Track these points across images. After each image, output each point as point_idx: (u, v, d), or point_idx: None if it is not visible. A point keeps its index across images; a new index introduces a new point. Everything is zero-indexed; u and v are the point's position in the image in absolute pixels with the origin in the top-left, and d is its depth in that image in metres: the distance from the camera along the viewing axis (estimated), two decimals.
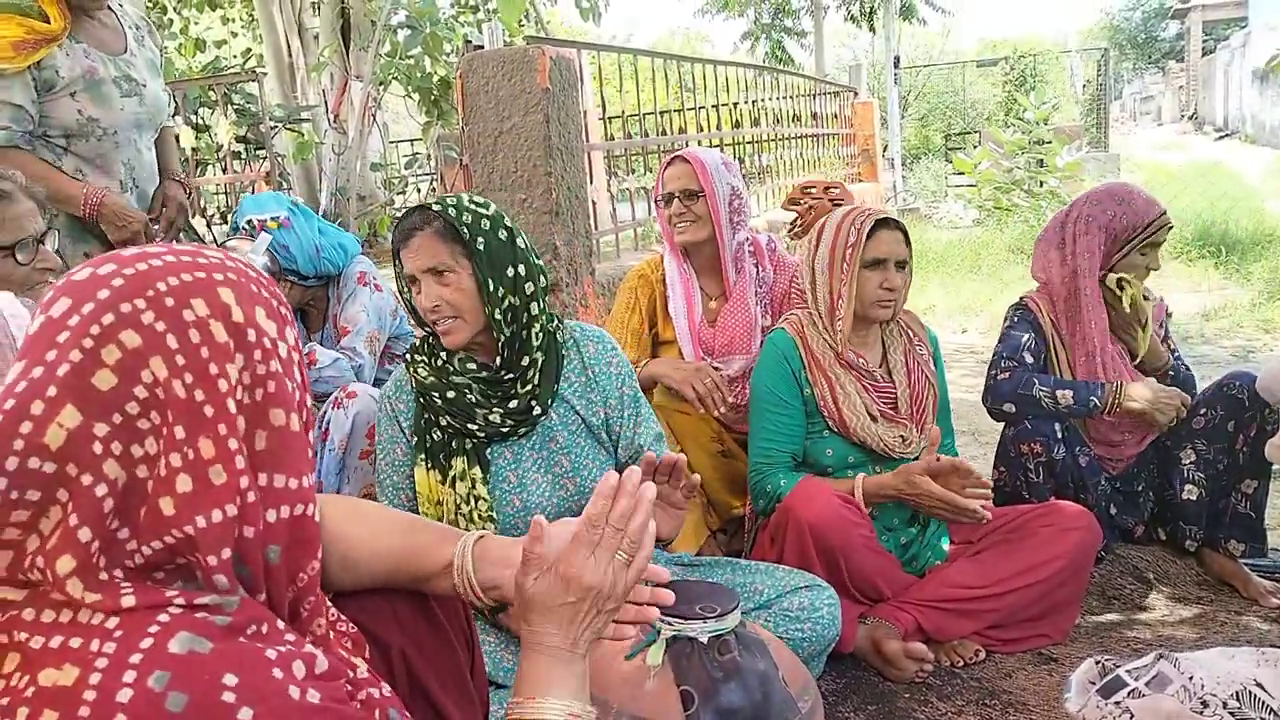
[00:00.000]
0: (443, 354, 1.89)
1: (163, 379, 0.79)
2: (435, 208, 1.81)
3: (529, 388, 1.85)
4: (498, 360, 1.84)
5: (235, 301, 0.84)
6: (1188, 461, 2.41)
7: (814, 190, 3.46)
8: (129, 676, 0.73)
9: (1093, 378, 2.40)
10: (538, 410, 1.86)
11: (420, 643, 1.14)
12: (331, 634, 0.97)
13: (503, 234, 1.81)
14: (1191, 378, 2.52)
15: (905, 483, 2.08)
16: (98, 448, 0.77)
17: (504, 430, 1.85)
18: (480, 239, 1.78)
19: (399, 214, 6.62)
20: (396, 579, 1.14)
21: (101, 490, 0.77)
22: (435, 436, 1.88)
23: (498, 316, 1.79)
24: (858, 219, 2.22)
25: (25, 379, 0.78)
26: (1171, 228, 2.42)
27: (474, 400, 1.84)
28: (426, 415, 1.89)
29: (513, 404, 1.85)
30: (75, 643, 0.75)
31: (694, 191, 2.58)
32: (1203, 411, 2.39)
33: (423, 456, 1.88)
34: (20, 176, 1.87)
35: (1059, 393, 2.32)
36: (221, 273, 0.85)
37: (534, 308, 1.84)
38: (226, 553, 0.80)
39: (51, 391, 0.77)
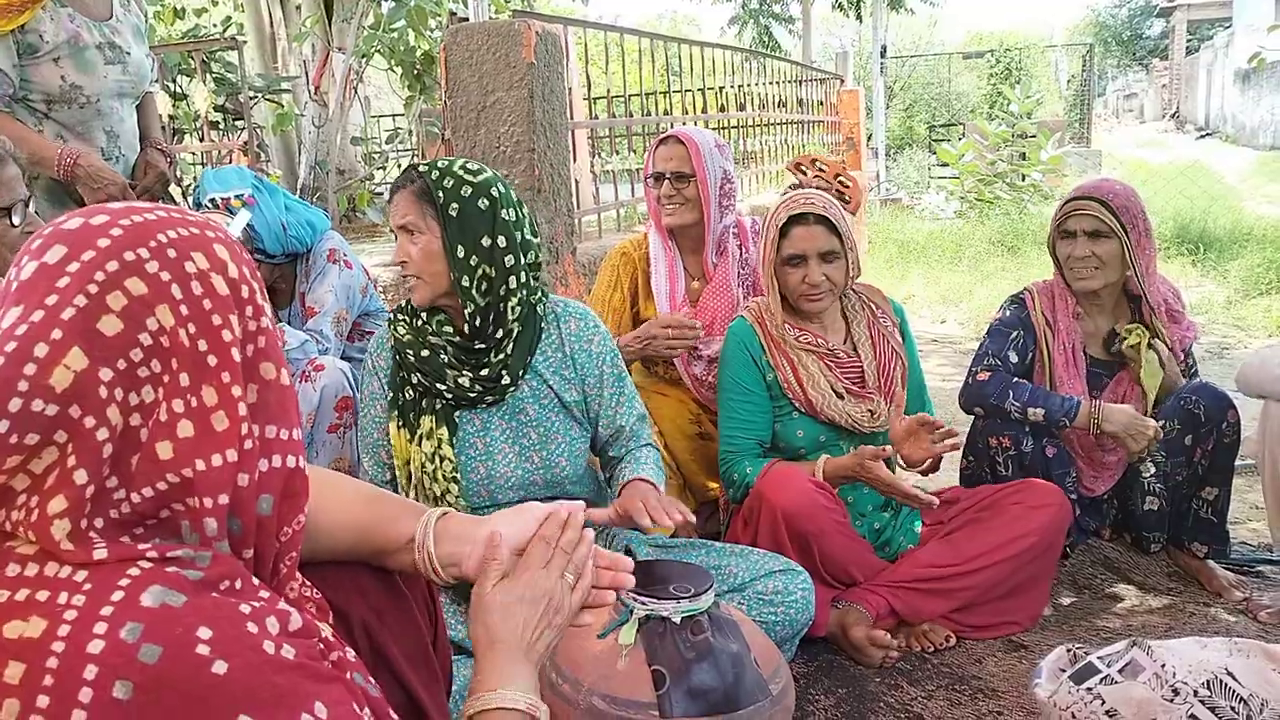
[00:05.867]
0: (423, 314, 1.90)
1: (168, 327, 0.80)
2: (421, 168, 1.82)
3: (501, 357, 1.86)
4: (466, 329, 1.85)
5: (230, 258, 0.86)
6: (1148, 474, 2.41)
7: (823, 170, 3.36)
8: (99, 628, 0.73)
9: (1068, 381, 2.40)
10: (506, 380, 1.87)
11: (382, 614, 1.14)
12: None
13: (483, 203, 1.80)
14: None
15: (859, 465, 2.10)
16: (103, 392, 0.77)
17: (471, 395, 1.86)
18: (455, 204, 1.78)
19: (378, 189, 6.58)
20: (359, 552, 1.14)
21: (103, 434, 0.77)
22: (407, 395, 1.90)
23: (465, 284, 1.80)
24: (776, 215, 2.22)
25: (25, 322, 0.77)
26: (1086, 214, 2.36)
27: (446, 361, 1.86)
28: (401, 373, 1.91)
29: (484, 371, 1.86)
30: (42, 596, 0.75)
31: (685, 175, 2.55)
32: (1162, 424, 2.37)
33: (395, 413, 1.90)
34: (7, 142, 1.86)
35: (1030, 410, 2.29)
36: (212, 230, 0.87)
37: (513, 281, 1.83)
38: (224, 498, 0.81)
39: (56, 334, 0.76)
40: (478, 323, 1.83)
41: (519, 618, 1.05)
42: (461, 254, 1.78)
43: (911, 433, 2.10)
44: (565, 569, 1.10)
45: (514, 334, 1.87)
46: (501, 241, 1.81)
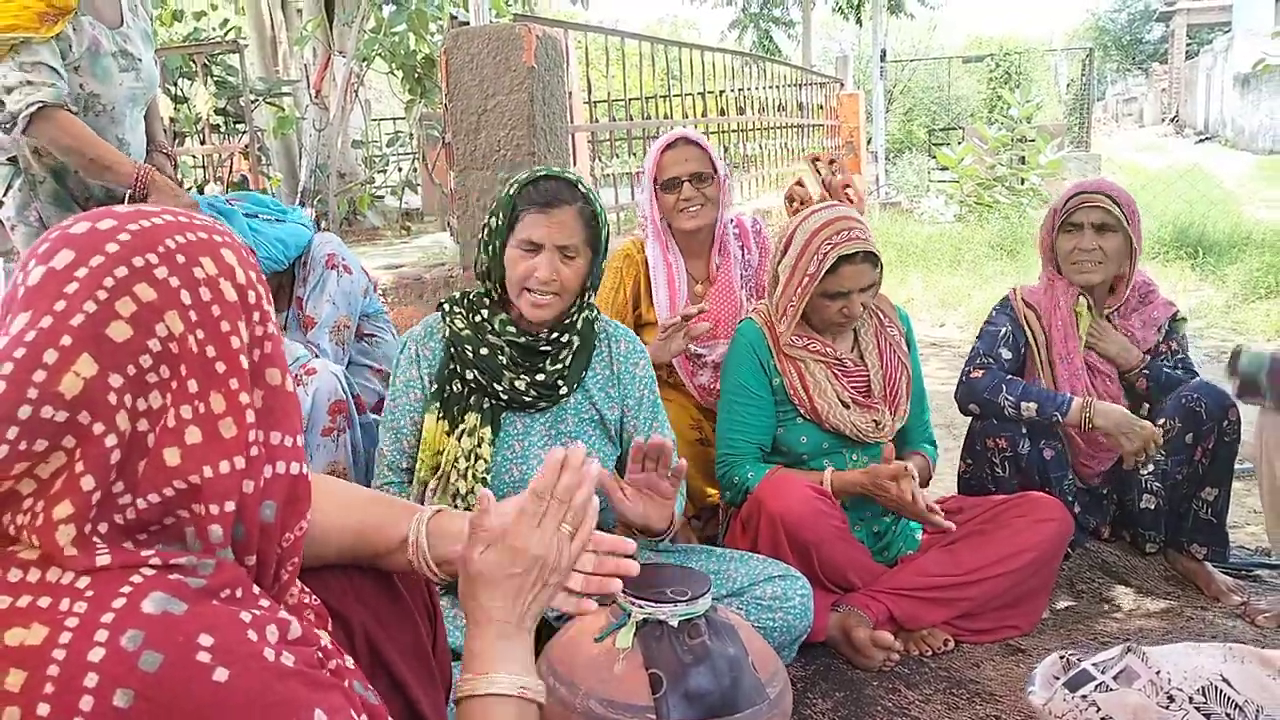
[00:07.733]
0: (484, 311, 1.92)
1: (177, 333, 0.80)
2: (582, 188, 1.85)
3: (559, 366, 1.90)
4: (547, 329, 1.89)
5: (237, 263, 0.86)
6: (1145, 472, 2.40)
7: (837, 176, 3.37)
8: (100, 636, 0.73)
9: (1070, 380, 2.40)
10: (564, 389, 1.90)
11: (382, 617, 1.13)
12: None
13: (606, 232, 1.91)
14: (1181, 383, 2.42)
15: (873, 484, 2.09)
16: (112, 398, 0.77)
17: (525, 400, 1.89)
18: (604, 231, 1.88)
19: (379, 193, 6.58)
20: (356, 555, 1.14)
21: (111, 441, 0.77)
22: (455, 388, 1.91)
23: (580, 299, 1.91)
24: (823, 247, 2.12)
25: (34, 328, 0.77)
26: (1096, 206, 2.37)
27: (504, 363, 1.88)
28: (452, 365, 1.91)
29: (540, 377, 1.89)
30: (44, 602, 0.75)
31: (707, 175, 2.56)
32: (1161, 423, 2.36)
33: (437, 405, 1.90)
34: None
35: (1024, 404, 2.30)
36: (220, 235, 0.87)
37: (590, 295, 1.94)
38: (230, 505, 0.81)
39: (66, 341, 0.76)
40: (552, 330, 1.90)
41: (509, 587, 1.01)
42: (599, 277, 1.92)
43: (896, 475, 2.07)
44: (563, 519, 1.03)
45: (574, 344, 1.92)
46: (602, 263, 1.92)
